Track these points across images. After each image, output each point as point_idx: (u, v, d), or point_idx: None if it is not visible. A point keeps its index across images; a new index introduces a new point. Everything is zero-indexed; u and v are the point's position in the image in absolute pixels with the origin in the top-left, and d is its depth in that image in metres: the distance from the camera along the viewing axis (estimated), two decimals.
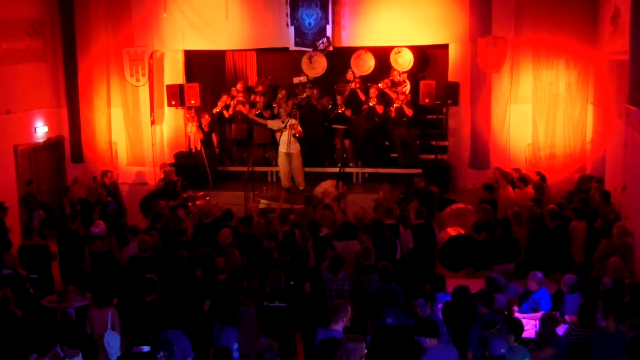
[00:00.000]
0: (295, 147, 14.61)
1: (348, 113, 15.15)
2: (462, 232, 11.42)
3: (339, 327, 6.58)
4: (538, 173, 13.02)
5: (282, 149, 14.70)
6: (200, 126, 15.35)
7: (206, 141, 15.43)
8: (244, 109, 15.59)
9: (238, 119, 15.76)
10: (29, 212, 12.15)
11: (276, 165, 15.89)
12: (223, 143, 16.28)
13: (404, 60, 15.38)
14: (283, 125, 14.52)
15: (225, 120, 15.95)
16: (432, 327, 6.46)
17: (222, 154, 16.31)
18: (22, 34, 14.03)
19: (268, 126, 14.93)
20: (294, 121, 14.46)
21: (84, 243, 10.12)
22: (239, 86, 16.05)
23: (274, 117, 15.35)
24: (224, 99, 15.84)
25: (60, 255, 10.59)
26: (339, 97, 15.24)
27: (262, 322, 7.82)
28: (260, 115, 15.45)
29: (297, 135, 14.46)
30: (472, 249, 10.66)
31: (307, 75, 15.75)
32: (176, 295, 8.10)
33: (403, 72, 15.39)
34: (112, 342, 7.31)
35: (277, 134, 14.78)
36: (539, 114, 13.76)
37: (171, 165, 14.90)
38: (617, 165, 11.05)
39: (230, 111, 15.67)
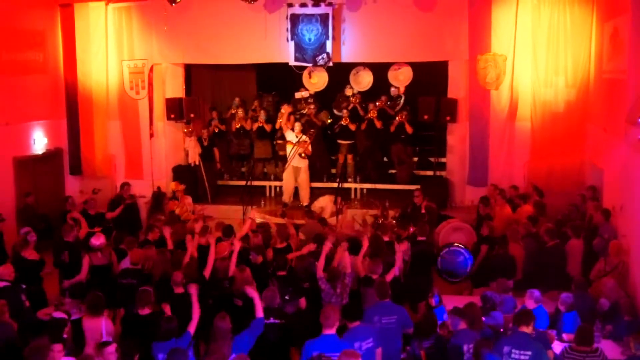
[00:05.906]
0: (304, 161, 14.64)
1: (352, 127, 15.20)
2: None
3: (332, 330, 6.85)
4: (535, 188, 12.90)
5: (291, 162, 14.73)
6: (199, 140, 15.38)
7: (206, 155, 15.44)
8: (246, 124, 15.66)
9: (240, 133, 15.79)
10: (27, 224, 12.12)
11: (275, 180, 15.92)
12: (224, 157, 16.29)
13: (403, 77, 15.49)
14: (297, 139, 14.52)
15: (227, 135, 15.97)
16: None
17: (221, 168, 16.33)
18: (22, 45, 14.06)
19: (287, 138, 14.82)
20: (306, 139, 14.49)
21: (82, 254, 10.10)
22: (237, 101, 16.12)
23: (275, 131, 15.46)
24: (215, 115, 16.02)
25: (58, 268, 10.49)
26: (344, 111, 15.31)
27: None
28: (261, 129, 15.50)
29: (304, 155, 14.49)
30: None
31: (309, 91, 15.81)
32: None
33: (397, 88, 15.54)
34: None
35: (289, 145, 14.68)
36: (538, 131, 13.78)
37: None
38: (615, 184, 11.05)
39: (237, 124, 15.76)
